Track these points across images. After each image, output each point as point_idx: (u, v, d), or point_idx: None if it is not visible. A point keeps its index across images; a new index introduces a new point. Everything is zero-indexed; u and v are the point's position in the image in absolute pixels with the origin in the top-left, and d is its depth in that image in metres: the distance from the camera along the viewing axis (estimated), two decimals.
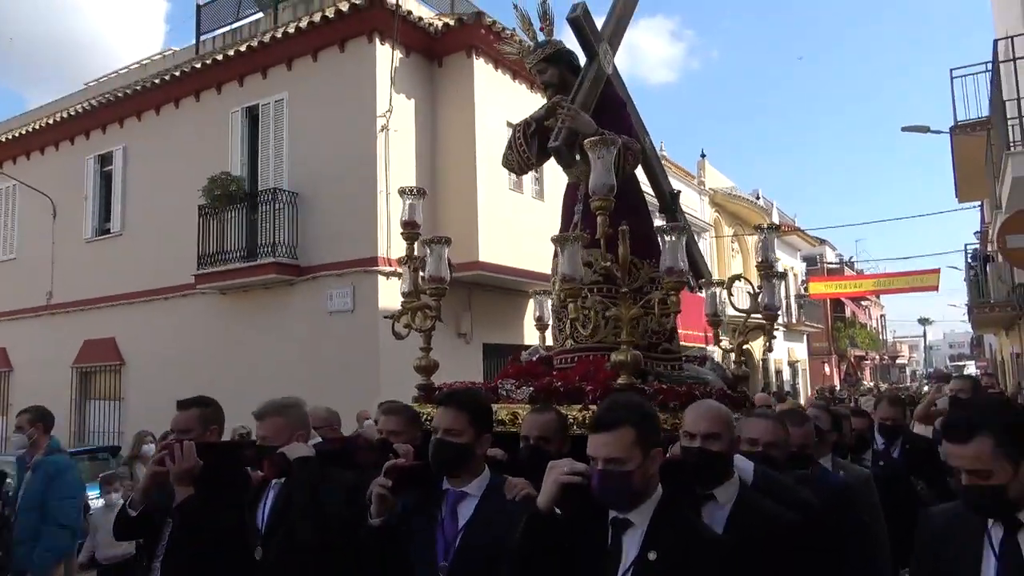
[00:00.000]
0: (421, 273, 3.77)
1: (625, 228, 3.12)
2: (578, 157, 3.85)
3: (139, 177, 12.89)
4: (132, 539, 3.13)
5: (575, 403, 3.13)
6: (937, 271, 24.60)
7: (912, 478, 4.54)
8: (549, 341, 4.44)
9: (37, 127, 14.33)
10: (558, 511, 2.01)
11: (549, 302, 4.55)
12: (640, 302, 3.21)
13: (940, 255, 61.53)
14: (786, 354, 29.10)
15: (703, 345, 16.22)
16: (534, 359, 4.15)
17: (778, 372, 27.70)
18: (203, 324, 11.53)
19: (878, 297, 45.04)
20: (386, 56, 10.37)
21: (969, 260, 17.90)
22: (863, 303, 44.94)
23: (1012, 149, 7.17)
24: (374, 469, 2.51)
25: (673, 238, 3.10)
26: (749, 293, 4.01)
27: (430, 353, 3.78)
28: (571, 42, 4.22)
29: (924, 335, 68.46)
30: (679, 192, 4.88)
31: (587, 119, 3.77)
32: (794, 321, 28.82)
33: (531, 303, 4.82)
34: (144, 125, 12.91)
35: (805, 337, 32.01)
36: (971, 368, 43.16)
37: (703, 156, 22.92)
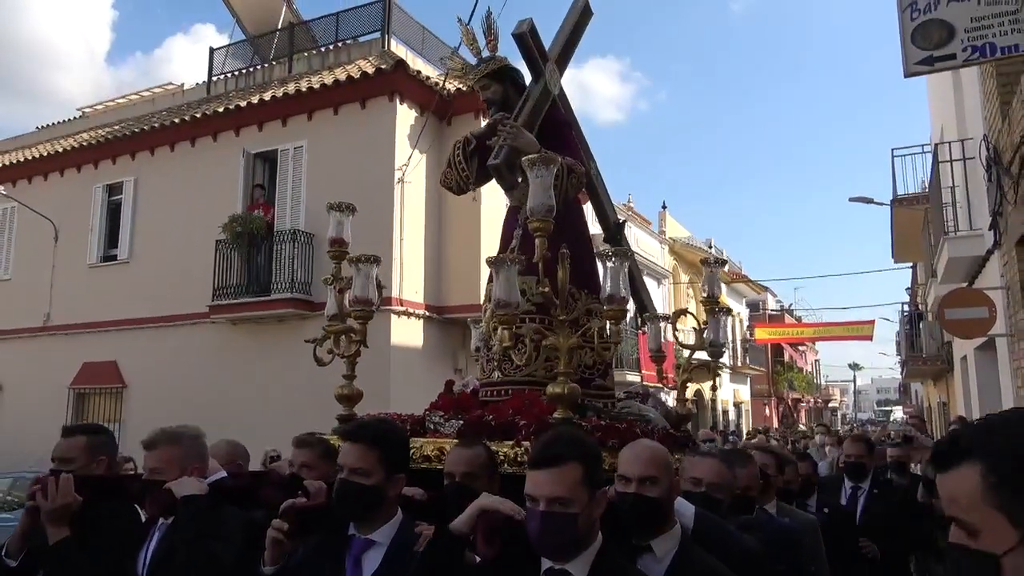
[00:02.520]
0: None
1: (565, 251, 2.98)
2: (520, 180, 3.67)
3: (149, 208, 13.53)
4: None
5: (507, 439, 2.95)
6: (872, 322, 26.69)
7: (862, 538, 4.34)
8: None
9: (43, 153, 14.82)
10: (481, 548, 1.86)
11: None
12: (578, 333, 3.02)
13: (873, 307, 65.23)
14: (731, 395, 30.77)
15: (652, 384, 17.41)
16: (468, 390, 3.93)
17: (724, 412, 29.29)
18: (212, 353, 12.19)
19: (814, 343, 47.55)
20: (404, 114, 11.43)
21: (904, 317, 19.75)
22: (800, 348, 47.34)
23: (948, 234, 8.62)
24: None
25: (615, 263, 2.93)
26: (694, 329, 3.91)
27: (354, 381, 3.54)
28: (518, 61, 4.15)
29: (854, 380, 71.87)
30: (625, 222, 4.75)
31: (530, 138, 3.64)
32: (739, 364, 30.59)
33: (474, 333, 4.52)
34: (157, 159, 13.59)
35: (749, 379, 33.85)
36: (898, 413, 45.88)
37: (664, 208, 24.55)
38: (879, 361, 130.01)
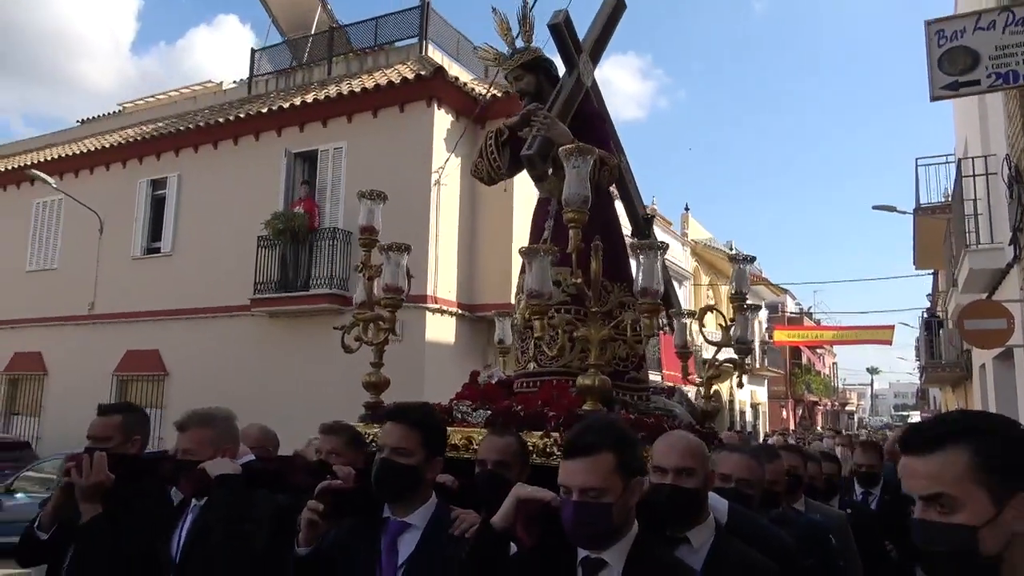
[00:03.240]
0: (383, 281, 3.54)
1: (598, 244, 2.98)
2: (550, 171, 3.71)
3: (192, 203, 14.05)
4: (40, 564, 2.75)
5: (536, 429, 2.93)
6: (892, 327, 26.78)
7: (885, 539, 4.35)
8: (511, 365, 4.19)
9: (90, 148, 15.39)
10: (521, 538, 1.85)
11: (510, 323, 4.32)
12: (610, 324, 3.02)
13: (893, 311, 64.96)
14: (749, 396, 31.02)
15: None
16: (493, 381, 3.94)
17: (742, 413, 29.56)
18: (252, 344, 12.70)
19: (832, 346, 47.61)
20: (441, 119, 11.84)
21: (924, 323, 19.95)
22: (818, 351, 47.41)
23: (969, 246, 8.90)
24: (309, 493, 2.25)
25: (648, 257, 2.91)
26: (720, 326, 3.86)
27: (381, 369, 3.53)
28: (551, 53, 4.12)
29: (871, 384, 71.74)
30: (653, 216, 4.74)
31: (563, 128, 3.62)
32: (758, 366, 30.80)
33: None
34: (201, 156, 14.11)
35: (766, 381, 34.04)
36: (915, 417, 45.78)
37: (687, 210, 24.82)
38: (898, 365, 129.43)
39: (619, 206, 4.45)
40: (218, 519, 2.36)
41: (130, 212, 14.75)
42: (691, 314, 4.30)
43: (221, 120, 13.52)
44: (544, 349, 3.25)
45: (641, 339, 3.15)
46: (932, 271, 20.71)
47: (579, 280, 2.96)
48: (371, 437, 3.11)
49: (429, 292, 11.37)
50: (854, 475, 4.99)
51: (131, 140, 14.83)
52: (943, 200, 13.89)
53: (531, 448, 2.77)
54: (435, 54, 13.37)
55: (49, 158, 15.94)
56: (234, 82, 17.39)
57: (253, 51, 15.31)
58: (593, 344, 2.94)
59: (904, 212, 15.91)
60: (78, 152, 15.58)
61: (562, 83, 3.90)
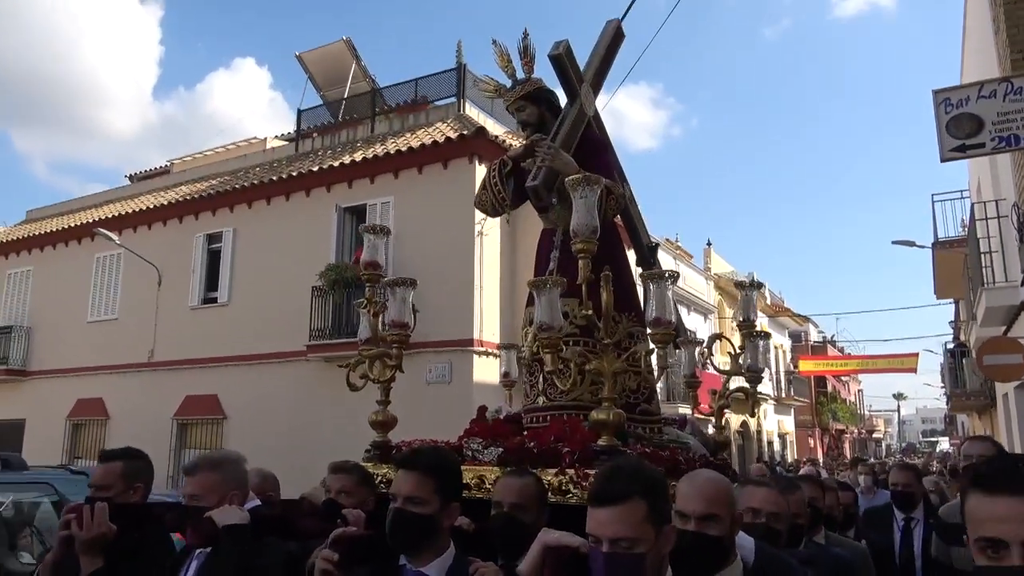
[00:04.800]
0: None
1: (609, 273, 2.92)
2: (555, 201, 3.69)
3: (247, 255, 14.99)
4: None
5: (550, 466, 2.85)
6: (916, 355, 27.15)
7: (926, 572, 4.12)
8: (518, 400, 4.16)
9: (148, 206, 16.45)
10: None
11: (515, 356, 4.26)
12: (623, 356, 2.96)
13: (917, 339, 64.66)
14: (776, 426, 31.31)
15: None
16: (501, 417, 3.88)
17: (769, 443, 29.85)
18: (307, 387, 13.49)
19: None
20: (482, 174, 12.68)
21: (947, 352, 20.40)
22: (843, 378, 47.51)
23: (985, 285, 9.53)
24: (318, 539, 2.22)
25: (659, 286, 2.87)
26: (730, 354, 3.79)
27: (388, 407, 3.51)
28: (552, 82, 4.14)
29: (898, 410, 71.17)
30: (658, 244, 4.73)
31: (568, 158, 3.62)
32: (784, 396, 31.16)
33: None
34: (254, 211, 15.08)
35: (792, 410, 34.31)
36: (944, 444, 45.60)
37: (709, 244, 25.52)
38: (924, 391, 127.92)
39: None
40: (226, 571, 2.28)
41: (187, 264, 15.71)
42: (699, 343, 4.28)
43: (274, 178, 14.50)
44: (556, 383, 3.12)
45: (654, 370, 3.13)
46: (953, 300, 21.20)
47: (589, 312, 2.94)
48: (379, 477, 3.10)
49: (475, 336, 12.14)
50: (893, 498, 4.66)
51: (188, 198, 15.86)
52: (960, 230, 14.52)
53: (546, 486, 2.68)
54: (472, 111, 14.31)
55: (110, 215, 17.01)
56: (276, 137, 18.52)
57: (299, 111, 16.38)
58: (606, 377, 2.90)
59: (923, 246, 16.50)
60: (137, 209, 16.64)
61: (564, 113, 3.93)
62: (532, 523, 2.29)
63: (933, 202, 14.49)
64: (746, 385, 3.78)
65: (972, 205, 10.44)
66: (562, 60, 3.86)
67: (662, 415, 3.87)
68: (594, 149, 3.93)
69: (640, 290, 3.62)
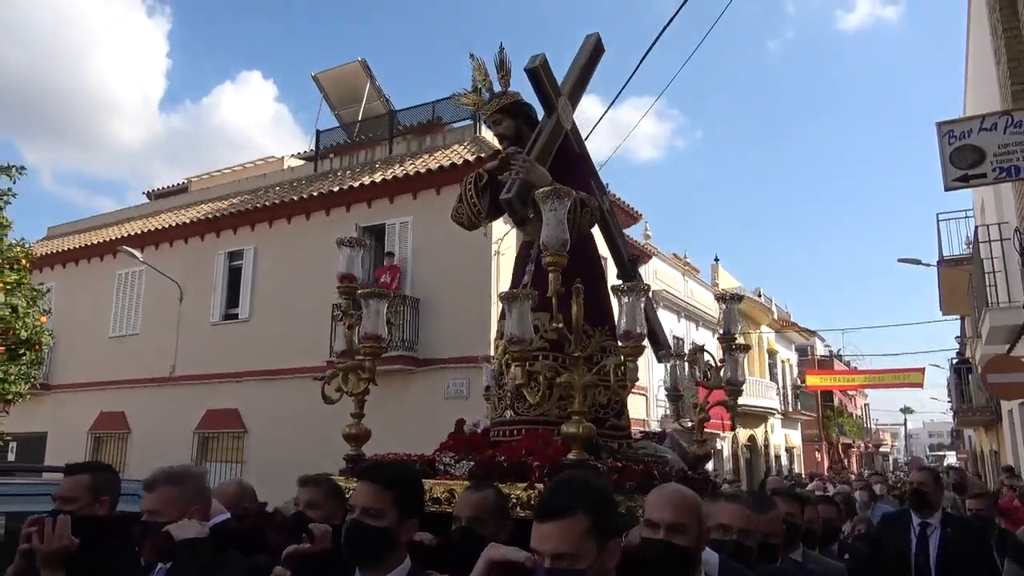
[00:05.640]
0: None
1: (579, 286, 2.93)
2: (531, 214, 3.63)
3: (267, 272, 15.38)
4: None
5: (520, 480, 2.86)
6: (922, 370, 27.35)
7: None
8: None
9: (170, 224, 16.87)
10: None
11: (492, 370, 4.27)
12: (593, 370, 2.98)
13: (924, 353, 64.65)
14: (783, 440, 31.50)
15: (716, 431, 18.48)
16: (478, 430, 3.86)
17: (777, 457, 30.04)
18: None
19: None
20: None
21: (953, 368, 20.66)
22: (850, 393, 47.64)
23: (989, 306, 9.84)
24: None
25: (631, 299, 2.86)
26: (710, 366, 3.79)
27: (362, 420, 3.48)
28: (530, 96, 4.10)
29: (904, 424, 71.09)
30: (638, 257, 4.78)
31: (542, 171, 3.62)
32: (791, 410, 31.38)
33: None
34: (275, 230, 15.49)
35: (799, 424, 34.50)
36: (951, 459, 45.67)
37: (716, 260, 25.85)
38: (931, 405, 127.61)
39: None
40: None
41: (208, 281, 16.10)
42: (679, 355, 4.27)
43: (295, 197, 14.91)
44: (525, 396, 3.14)
45: (625, 384, 3.09)
46: (959, 316, 21.47)
47: (560, 325, 2.93)
48: (349, 491, 3.04)
49: (492, 353, 12.45)
50: (911, 497, 4.59)
51: (209, 216, 16.27)
52: (965, 247, 14.84)
53: (515, 500, 2.70)
54: (488, 133, 14.69)
55: (132, 233, 17.44)
56: (293, 155, 18.96)
57: (318, 132, 16.82)
58: (576, 390, 2.89)
59: (928, 264, 16.83)
60: (159, 227, 17.06)
61: (541, 126, 3.93)
62: (491, 536, 2.24)
63: (938, 221, 14.91)
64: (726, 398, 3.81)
65: (976, 228, 10.76)
66: (538, 73, 3.90)
67: (646, 430, 4.00)
68: (571, 162, 3.95)
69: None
